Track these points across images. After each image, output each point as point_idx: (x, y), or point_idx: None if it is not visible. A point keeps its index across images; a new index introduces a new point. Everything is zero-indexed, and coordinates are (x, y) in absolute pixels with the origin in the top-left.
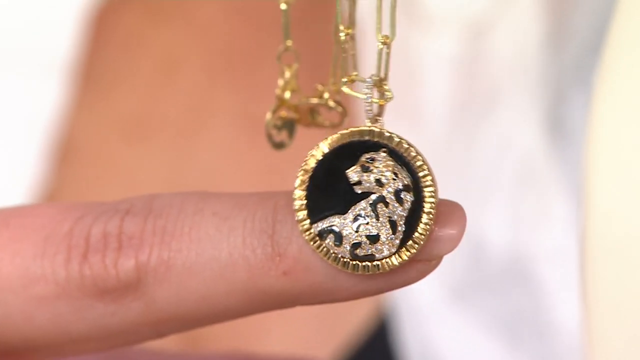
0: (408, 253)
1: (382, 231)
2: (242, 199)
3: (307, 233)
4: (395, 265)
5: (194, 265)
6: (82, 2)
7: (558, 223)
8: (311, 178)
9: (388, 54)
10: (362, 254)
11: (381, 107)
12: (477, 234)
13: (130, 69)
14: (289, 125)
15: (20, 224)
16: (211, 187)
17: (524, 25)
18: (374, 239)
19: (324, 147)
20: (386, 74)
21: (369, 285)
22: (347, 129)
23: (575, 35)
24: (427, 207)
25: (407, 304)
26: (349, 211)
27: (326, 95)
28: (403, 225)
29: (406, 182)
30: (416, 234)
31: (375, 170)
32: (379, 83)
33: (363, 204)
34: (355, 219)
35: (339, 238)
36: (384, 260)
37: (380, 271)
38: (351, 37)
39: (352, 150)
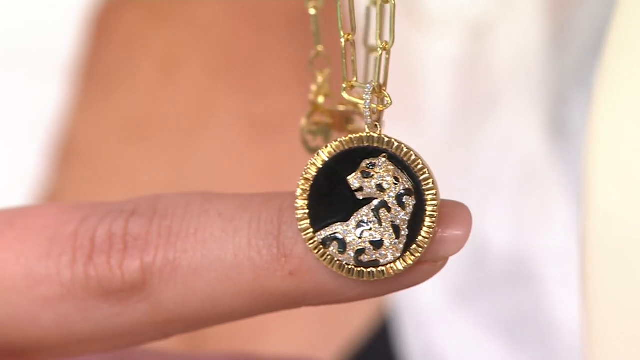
0: (413, 257)
1: (386, 236)
2: (246, 199)
3: (311, 242)
4: (400, 270)
5: (199, 266)
6: (83, 3)
7: (559, 224)
8: (312, 186)
9: (387, 59)
10: (366, 259)
11: (380, 113)
12: (478, 234)
13: (131, 69)
14: (324, 131)
15: (25, 225)
16: (212, 187)
17: (524, 26)
18: (377, 244)
19: (324, 155)
20: (385, 80)
21: (374, 287)
22: (346, 136)
23: (576, 36)
24: (429, 209)
25: (408, 305)
26: (352, 218)
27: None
28: (406, 230)
29: (407, 186)
30: (420, 238)
31: (376, 176)
32: (379, 89)
33: (365, 209)
34: (358, 226)
35: (342, 245)
36: (388, 266)
37: (386, 277)
38: (351, 43)
39: (352, 157)
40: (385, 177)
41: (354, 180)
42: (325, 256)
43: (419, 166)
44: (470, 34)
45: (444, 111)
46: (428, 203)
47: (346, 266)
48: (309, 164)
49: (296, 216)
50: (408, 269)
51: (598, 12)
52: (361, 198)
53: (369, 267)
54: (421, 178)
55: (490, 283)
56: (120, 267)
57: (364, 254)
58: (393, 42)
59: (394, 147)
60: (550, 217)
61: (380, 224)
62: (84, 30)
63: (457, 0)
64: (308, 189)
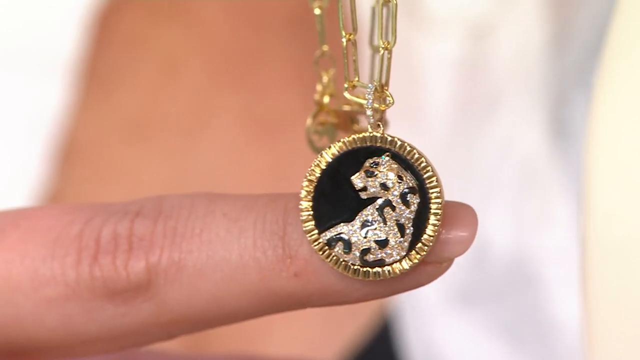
0: (418, 256)
1: (391, 235)
2: (251, 200)
3: (316, 243)
4: (407, 269)
5: (204, 266)
6: (84, 3)
7: (560, 224)
8: (316, 188)
9: (389, 59)
10: (372, 259)
11: (383, 112)
12: (479, 235)
13: (132, 70)
14: (330, 131)
15: (30, 226)
16: (212, 187)
17: (525, 27)
18: (382, 243)
19: (327, 156)
20: (387, 80)
21: (380, 287)
22: (349, 137)
23: (577, 37)
24: (434, 207)
25: (410, 305)
26: (356, 218)
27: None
28: (411, 228)
29: (411, 184)
30: (425, 236)
31: (379, 175)
32: (380, 89)
33: (370, 209)
34: (362, 225)
35: (347, 245)
36: (394, 265)
37: (392, 276)
38: (353, 43)
39: (355, 157)
40: (389, 176)
41: (357, 180)
42: (330, 257)
43: (423, 164)
44: (471, 35)
45: (444, 112)
46: (432, 201)
47: (352, 267)
48: (313, 165)
49: (301, 218)
50: (413, 269)
51: (598, 13)
52: (365, 198)
53: (375, 267)
54: (425, 176)
55: (490, 283)
56: (125, 268)
57: (369, 254)
58: (395, 41)
59: (397, 145)
60: (551, 217)
61: (385, 222)
62: (85, 31)
63: (458, 0)
64: (312, 190)
